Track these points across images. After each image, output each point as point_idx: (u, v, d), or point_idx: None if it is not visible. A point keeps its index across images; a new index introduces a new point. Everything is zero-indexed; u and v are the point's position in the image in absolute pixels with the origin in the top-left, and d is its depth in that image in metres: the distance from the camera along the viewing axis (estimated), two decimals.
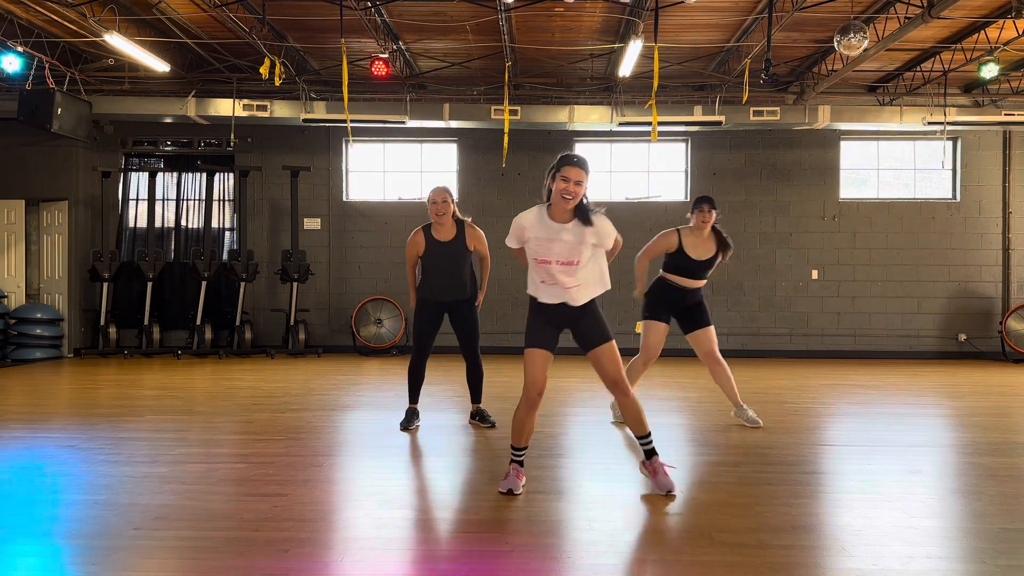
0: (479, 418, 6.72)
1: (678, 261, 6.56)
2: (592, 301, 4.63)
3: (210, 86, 11.88)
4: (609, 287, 4.66)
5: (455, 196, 6.60)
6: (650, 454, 4.70)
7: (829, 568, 3.50)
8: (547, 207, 4.54)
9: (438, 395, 8.53)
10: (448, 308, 6.56)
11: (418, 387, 6.68)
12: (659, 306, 6.63)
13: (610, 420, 6.95)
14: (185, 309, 12.81)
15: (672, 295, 6.62)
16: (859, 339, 12.98)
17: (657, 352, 6.68)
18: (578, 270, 4.51)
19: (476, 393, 6.74)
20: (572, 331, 4.67)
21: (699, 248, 6.53)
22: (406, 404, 6.81)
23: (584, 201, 4.51)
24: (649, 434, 4.70)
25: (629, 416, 4.68)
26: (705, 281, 6.69)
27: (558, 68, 11.56)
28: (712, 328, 6.67)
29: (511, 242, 4.67)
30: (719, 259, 6.60)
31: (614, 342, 4.65)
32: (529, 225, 4.54)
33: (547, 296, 4.58)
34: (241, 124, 12.25)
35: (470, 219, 6.62)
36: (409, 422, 6.59)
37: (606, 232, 4.54)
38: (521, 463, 4.74)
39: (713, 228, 6.57)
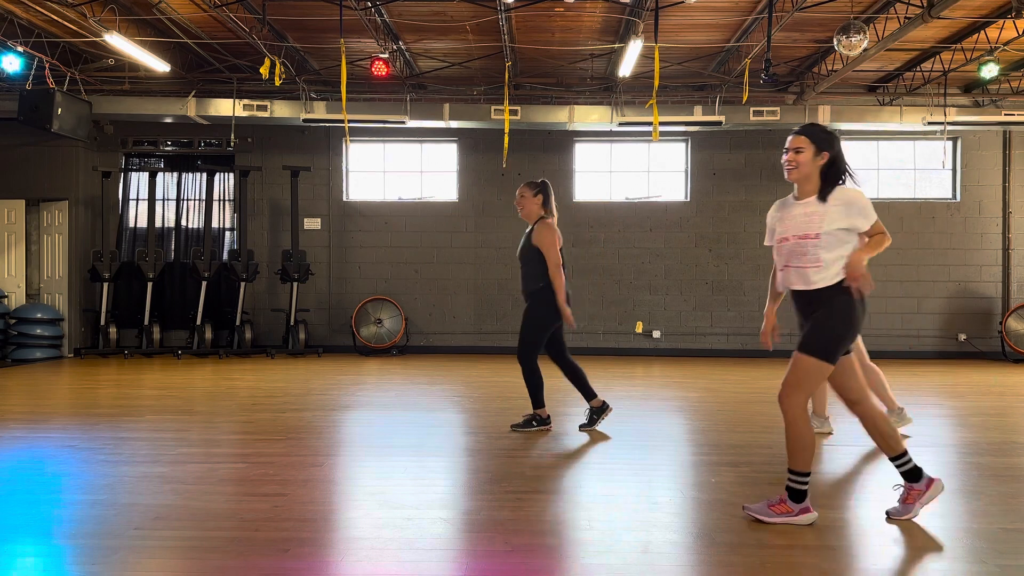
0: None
1: None
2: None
3: (210, 86, 11.88)
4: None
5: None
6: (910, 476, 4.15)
7: (829, 568, 3.50)
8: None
9: (438, 395, 8.54)
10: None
11: (584, 383, 6.43)
12: None
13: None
14: (185, 309, 12.81)
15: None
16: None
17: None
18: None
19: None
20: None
21: None
22: (405, 404, 6.80)
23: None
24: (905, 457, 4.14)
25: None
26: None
27: (558, 68, 11.55)
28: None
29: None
30: None
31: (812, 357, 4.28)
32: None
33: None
34: (241, 124, 12.24)
35: (552, 219, 6.30)
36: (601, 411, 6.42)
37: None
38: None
39: None
